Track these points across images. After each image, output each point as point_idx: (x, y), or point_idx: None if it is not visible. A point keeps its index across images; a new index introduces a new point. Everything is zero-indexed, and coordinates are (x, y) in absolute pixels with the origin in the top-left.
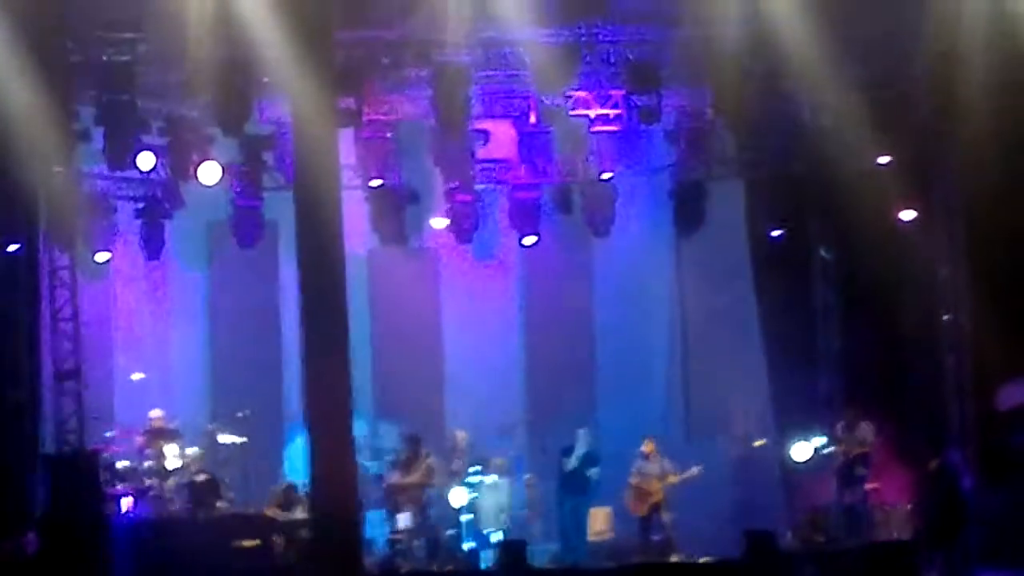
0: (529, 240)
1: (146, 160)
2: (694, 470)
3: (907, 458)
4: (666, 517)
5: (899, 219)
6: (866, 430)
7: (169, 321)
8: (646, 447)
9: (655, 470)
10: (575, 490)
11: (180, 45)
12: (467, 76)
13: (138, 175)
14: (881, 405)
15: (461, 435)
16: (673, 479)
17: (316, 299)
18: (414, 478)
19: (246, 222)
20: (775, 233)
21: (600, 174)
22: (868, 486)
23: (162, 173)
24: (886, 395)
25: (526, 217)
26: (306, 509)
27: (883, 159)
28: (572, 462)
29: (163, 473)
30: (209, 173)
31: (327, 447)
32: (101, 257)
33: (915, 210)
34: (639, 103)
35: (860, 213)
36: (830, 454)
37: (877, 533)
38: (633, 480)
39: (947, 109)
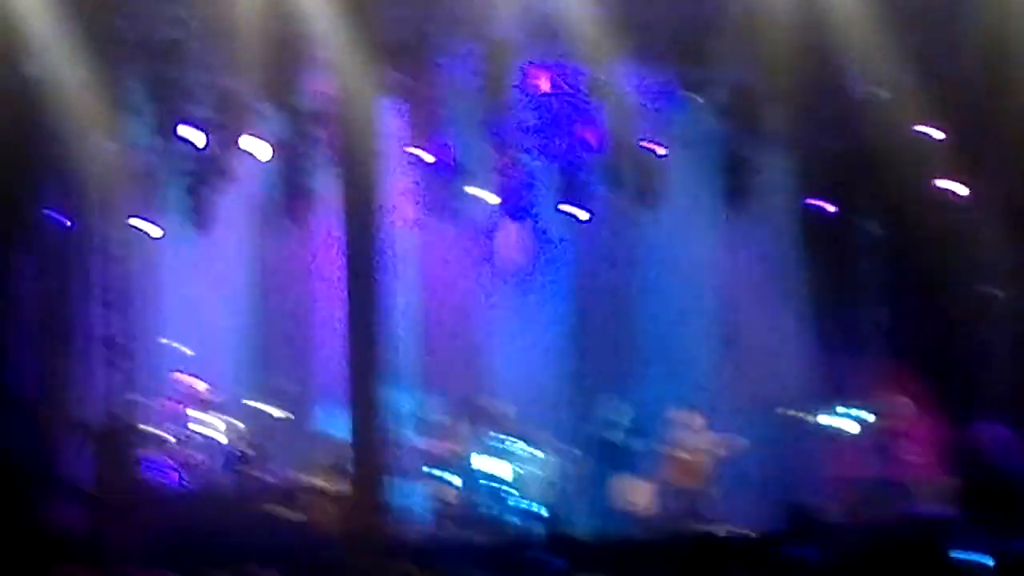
0: (582, 214)
1: (197, 136)
2: (739, 442)
3: (950, 433)
4: (710, 490)
5: (949, 194)
6: (905, 405)
7: (216, 295)
8: (690, 419)
9: (699, 442)
10: (610, 462)
11: (229, 19)
12: (517, 50)
13: (188, 149)
14: (926, 381)
15: (505, 408)
16: (718, 451)
17: (360, 273)
18: (457, 449)
19: (294, 196)
20: (824, 208)
21: (649, 149)
22: (909, 459)
23: (212, 147)
24: (931, 371)
25: (576, 192)
26: (346, 480)
27: (936, 133)
28: (604, 433)
29: (208, 445)
30: (259, 149)
31: (366, 417)
32: (151, 231)
33: (967, 186)
34: (688, 78)
35: (910, 188)
36: (871, 428)
37: (919, 507)
38: (677, 452)
39: (1000, 83)
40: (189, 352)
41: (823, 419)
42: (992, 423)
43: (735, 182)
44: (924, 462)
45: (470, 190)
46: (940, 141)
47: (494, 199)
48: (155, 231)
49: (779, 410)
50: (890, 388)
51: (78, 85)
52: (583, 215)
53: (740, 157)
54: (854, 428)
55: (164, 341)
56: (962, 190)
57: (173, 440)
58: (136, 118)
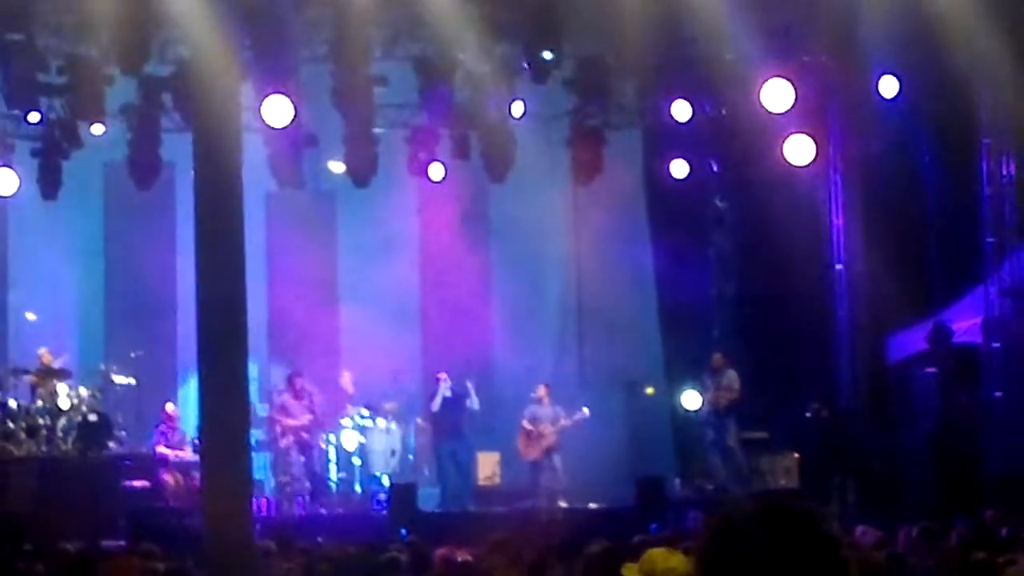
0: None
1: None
2: (583, 412)
3: (794, 407)
4: (557, 462)
5: (794, 167)
6: (731, 376)
7: (64, 261)
8: (539, 392)
9: (548, 415)
10: (448, 434)
11: None
12: (369, 18)
13: (35, 114)
14: (772, 355)
15: (348, 377)
16: (565, 422)
17: (213, 241)
18: (302, 420)
19: (143, 163)
20: (672, 181)
21: (499, 119)
22: (747, 435)
23: (60, 113)
24: (776, 344)
25: (424, 162)
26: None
27: (784, 106)
28: (435, 406)
29: (55, 412)
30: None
31: (219, 388)
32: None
33: (812, 159)
34: (537, 54)
35: (756, 161)
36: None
37: (764, 481)
38: (526, 424)
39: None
40: (33, 316)
41: (672, 393)
42: (838, 397)
43: (584, 156)
44: (770, 435)
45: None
46: (790, 113)
47: (340, 168)
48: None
49: (629, 384)
50: (716, 360)
51: None
52: (436, 177)
53: (589, 130)
54: (703, 403)
55: (12, 307)
56: (807, 160)
57: (15, 407)
58: None
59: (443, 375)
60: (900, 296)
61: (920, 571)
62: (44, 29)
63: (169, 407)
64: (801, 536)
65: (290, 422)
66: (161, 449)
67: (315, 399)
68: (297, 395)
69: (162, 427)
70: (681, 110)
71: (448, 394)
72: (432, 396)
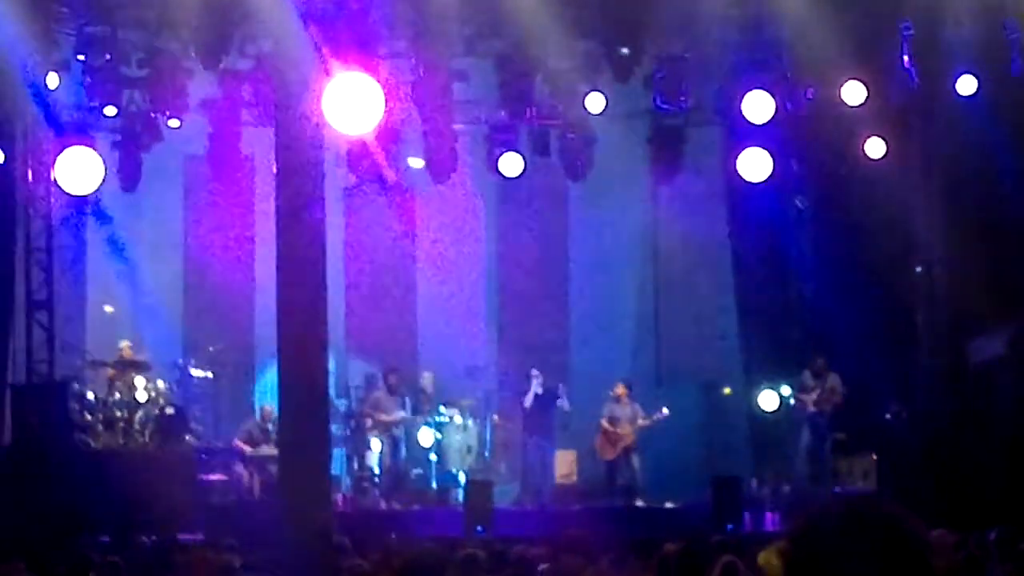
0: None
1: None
2: (663, 412)
3: (873, 408)
4: (635, 462)
5: (875, 166)
6: (835, 380)
7: (143, 254)
8: (618, 391)
9: (626, 414)
10: (535, 431)
11: None
12: (451, 14)
13: (112, 108)
14: (851, 356)
15: (428, 375)
16: (643, 422)
17: (292, 234)
18: (395, 416)
19: (223, 156)
20: (753, 180)
21: (579, 117)
22: (836, 436)
23: (141, 105)
24: (857, 346)
25: (505, 159)
26: (275, 444)
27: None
28: (527, 402)
29: (132, 405)
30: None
31: (298, 382)
32: (77, 188)
33: (893, 157)
34: (617, 52)
35: (838, 159)
36: (797, 403)
37: (841, 482)
38: (604, 423)
39: (932, 47)
40: (112, 309)
41: (750, 393)
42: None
43: (664, 153)
44: (849, 438)
45: (402, 155)
46: (867, 109)
47: (419, 163)
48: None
49: (707, 382)
50: (818, 363)
51: (8, 40)
52: (513, 172)
53: (669, 128)
54: (780, 403)
55: (91, 300)
56: (880, 152)
57: (93, 399)
58: (67, 74)
59: (535, 372)
60: (981, 298)
61: None
62: (126, 22)
63: (267, 407)
64: (891, 538)
65: (383, 417)
66: (239, 443)
67: (393, 394)
68: (392, 391)
69: (249, 424)
70: (761, 108)
71: (540, 391)
72: (523, 392)
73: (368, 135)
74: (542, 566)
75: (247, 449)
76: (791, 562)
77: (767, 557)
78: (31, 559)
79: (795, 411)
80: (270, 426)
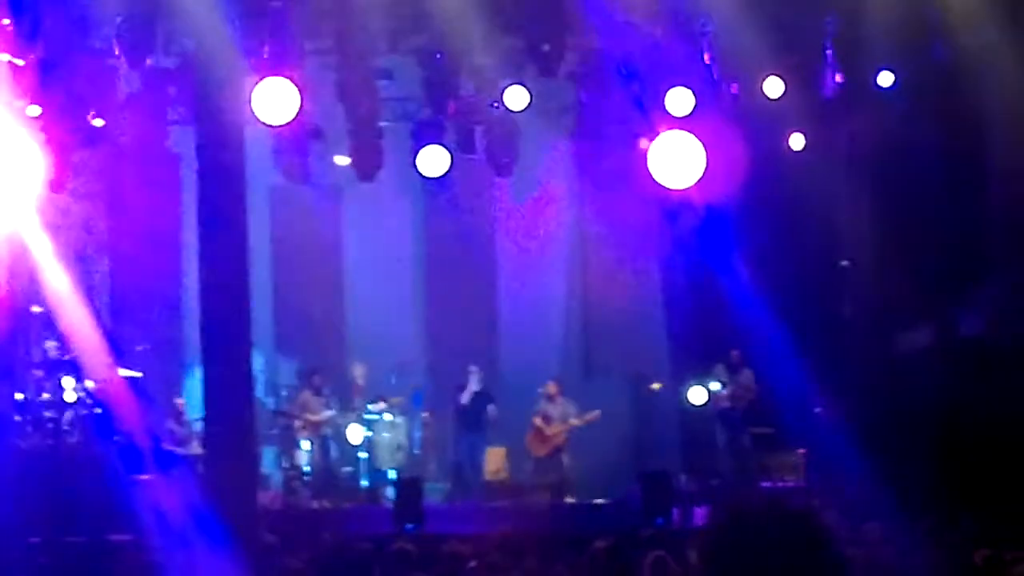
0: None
1: None
2: (594, 413)
3: (802, 405)
4: (565, 459)
5: (801, 159)
6: (748, 377)
7: (70, 254)
8: (550, 389)
9: (559, 413)
10: (470, 428)
11: None
12: (374, 11)
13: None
14: (778, 350)
15: (360, 370)
16: (575, 422)
17: (216, 233)
18: (323, 416)
19: (149, 155)
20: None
21: (503, 113)
22: (756, 431)
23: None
24: (783, 340)
25: (425, 154)
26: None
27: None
28: (464, 399)
29: (60, 406)
30: None
31: (224, 381)
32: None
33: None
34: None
35: (762, 154)
36: (711, 397)
37: (771, 477)
38: (538, 421)
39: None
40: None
41: (678, 388)
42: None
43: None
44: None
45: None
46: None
47: (345, 161)
48: None
49: (635, 378)
50: (733, 357)
51: None
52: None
53: (594, 124)
54: (708, 398)
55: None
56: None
57: (27, 399)
58: None
59: (474, 368)
60: (907, 290)
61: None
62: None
63: (178, 401)
64: (801, 532)
65: (311, 418)
66: (167, 446)
67: (321, 392)
68: (317, 392)
69: (170, 422)
70: (683, 103)
71: (478, 388)
72: (453, 389)
73: (292, 132)
74: (472, 563)
75: (176, 450)
76: (710, 552)
77: None
78: None
79: (710, 406)
80: (186, 419)
